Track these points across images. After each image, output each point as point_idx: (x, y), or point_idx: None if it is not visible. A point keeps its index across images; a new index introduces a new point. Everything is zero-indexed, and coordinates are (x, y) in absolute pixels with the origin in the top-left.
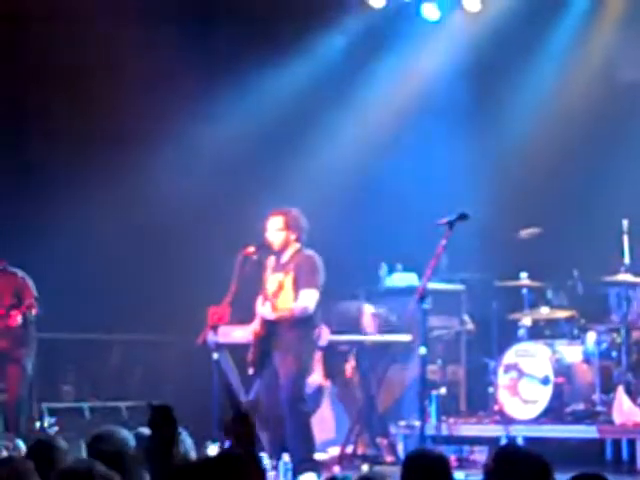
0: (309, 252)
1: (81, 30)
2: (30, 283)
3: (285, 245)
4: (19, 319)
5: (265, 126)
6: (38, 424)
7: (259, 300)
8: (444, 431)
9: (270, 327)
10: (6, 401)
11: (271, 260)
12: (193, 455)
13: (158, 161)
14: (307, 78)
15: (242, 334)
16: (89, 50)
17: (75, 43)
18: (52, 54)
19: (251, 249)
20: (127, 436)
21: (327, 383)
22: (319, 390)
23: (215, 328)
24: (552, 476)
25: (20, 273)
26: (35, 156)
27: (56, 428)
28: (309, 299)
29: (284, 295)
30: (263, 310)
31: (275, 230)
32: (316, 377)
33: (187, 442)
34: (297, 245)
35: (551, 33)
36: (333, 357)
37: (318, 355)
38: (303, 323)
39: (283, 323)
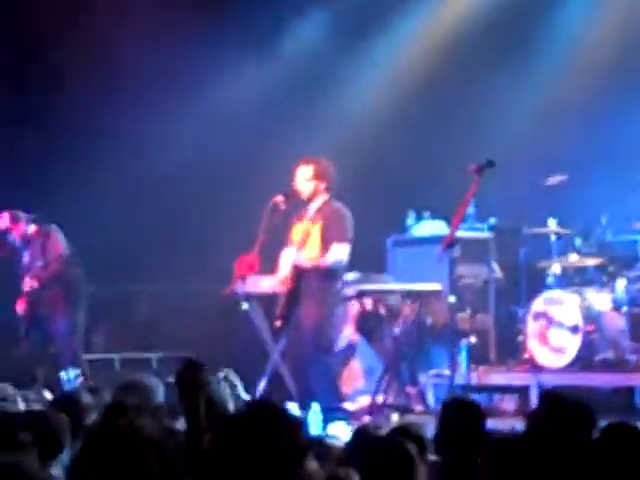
0: (338, 204)
1: None
2: (58, 238)
3: (314, 194)
4: (30, 285)
5: (288, 75)
6: (63, 375)
7: (285, 250)
8: (474, 380)
9: (299, 277)
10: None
11: (299, 210)
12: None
13: (187, 111)
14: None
15: (270, 284)
16: None
17: None
18: None
19: (279, 198)
20: (153, 385)
21: (357, 338)
22: (350, 346)
23: (244, 278)
24: (596, 422)
25: (51, 229)
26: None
27: (80, 379)
28: (342, 252)
29: (311, 245)
30: (298, 257)
31: (304, 179)
32: (347, 332)
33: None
34: (326, 195)
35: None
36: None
37: (352, 310)
38: (330, 274)
39: (312, 273)
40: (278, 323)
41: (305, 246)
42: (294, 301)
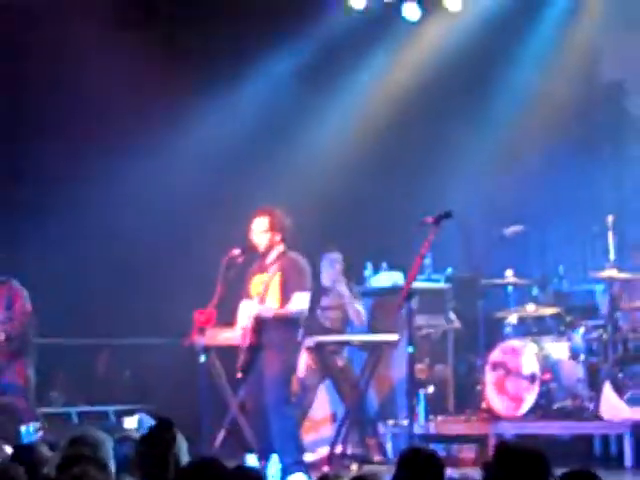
0: (294, 254)
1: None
2: (23, 294)
3: (270, 246)
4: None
5: (254, 121)
6: (23, 428)
7: (243, 302)
8: (432, 430)
9: (261, 328)
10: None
11: (255, 263)
12: (186, 459)
13: (145, 164)
14: (289, 76)
15: (228, 336)
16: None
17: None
18: None
19: (236, 251)
20: (103, 440)
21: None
22: (306, 388)
23: (202, 331)
24: (551, 471)
25: (14, 284)
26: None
27: (40, 433)
28: (303, 302)
29: (271, 296)
30: (263, 307)
31: (260, 232)
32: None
33: (182, 446)
34: (282, 246)
35: (531, 33)
36: (323, 353)
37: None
38: (290, 324)
39: (273, 324)
40: (239, 375)
41: (265, 298)
42: (255, 352)
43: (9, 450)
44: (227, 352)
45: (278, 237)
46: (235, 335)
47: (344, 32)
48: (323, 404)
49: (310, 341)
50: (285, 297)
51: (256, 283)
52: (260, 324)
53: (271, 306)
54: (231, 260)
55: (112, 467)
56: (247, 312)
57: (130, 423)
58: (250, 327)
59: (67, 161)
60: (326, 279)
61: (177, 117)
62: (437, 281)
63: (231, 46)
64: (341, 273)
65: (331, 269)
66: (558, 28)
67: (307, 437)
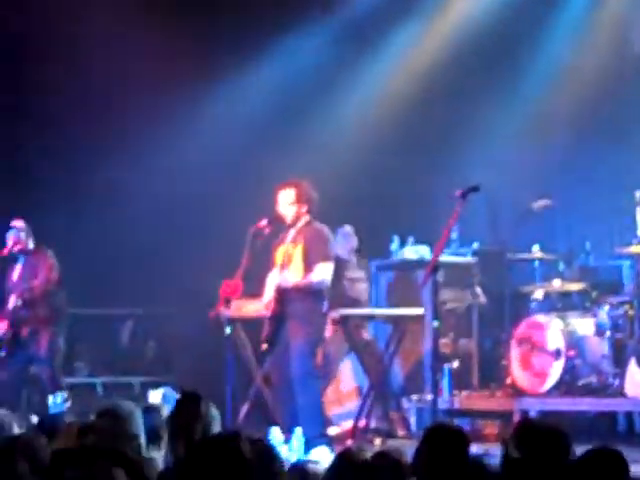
0: (319, 225)
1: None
2: (52, 263)
3: (296, 218)
4: (14, 303)
5: (278, 97)
6: (51, 399)
7: (270, 274)
8: (456, 405)
9: (284, 299)
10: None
11: (281, 234)
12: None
13: (173, 135)
14: (312, 52)
15: (255, 308)
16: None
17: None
18: None
19: (263, 222)
20: (132, 412)
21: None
22: (331, 360)
23: (227, 302)
24: (571, 449)
25: (47, 252)
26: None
27: (68, 403)
28: (326, 272)
29: (293, 266)
30: (281, 277)
31: (287, 204)
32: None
33: (213, 419)
34: (307, 217)
35: (560, 7)
36: (348, 326)
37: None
38: (315, 295)
39: (296, 294)
40: (264, 346)
41: (288, 268)
42: (279, 324)
43: (35, 420)
44: (253, 324)
45: (304, 209)
46: (261, 307)
47: (367, 7)
48: (348, 378)
49: (335, 313)
50: (308, 267)
51: (280, 254)
52: (282, 294)
53: (293, 276)
54: (258, 231)
55: (142, 439)
56: (272, 283)
57: (154, 397)
58: (273, 298)
59: (95, 134)
60: (344, 252)
61: (200, 92)
62: (463, 255)
63: (252, 23)
64: (354, 249)
65: (347, 243)
66: (588, 2)
67: (332, 410)
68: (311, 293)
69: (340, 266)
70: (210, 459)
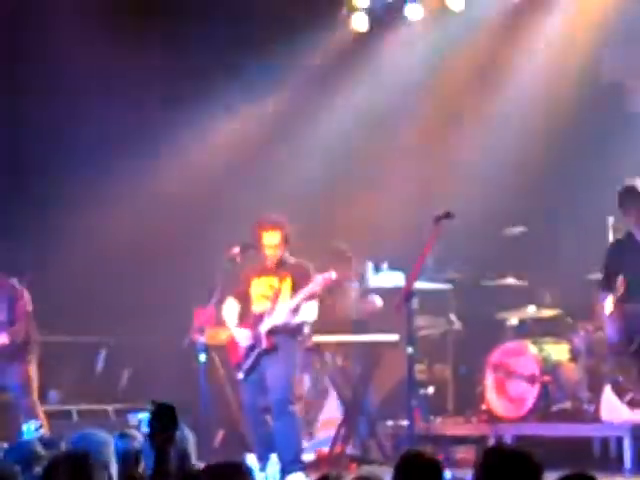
0: (306, 263)
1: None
2: (24, 294)
3: (282, 259)
4: (4, 339)
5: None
6: (25, 427)
7: (229, 301)
8: (432, 430)
9: (273, 335)
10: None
11: (254, 264)
12: (193, 454)
13: (151, 165)
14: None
15: (227, 335)
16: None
17: None
18: None
19: (235, 250)
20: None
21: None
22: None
23: (202, 330)
24: (542, 475)
25: (16, 283)
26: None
27: (42, 431)
28: (313, 311)
29: (283, 301)
30: (274, 319)
31: (273, 246)
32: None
33: (190, 439)
34: (285, 252)
35: (535, 33)
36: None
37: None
38: (297, 329)
39: (282, 330)
40: (240, 375)
41: (277, 302)
42: (261, 356)
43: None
44: (226, 351)
45: (287, 250)
46: (236, 334)
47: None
48: (332, 407)
49: (310, 341)
50: (296, 305)
51: (263, 286)
52: (275, 332)
53: (282, 313)
54: (230, 258)
55: (113, 467)
56: (234, 312)
57: (132, 421)
58: (265, 333)
59: (70, 158)
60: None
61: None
62: (438, 282)
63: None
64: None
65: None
66: (560, 29)
67: (306, 438)
68: (292, 328)
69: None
70: None
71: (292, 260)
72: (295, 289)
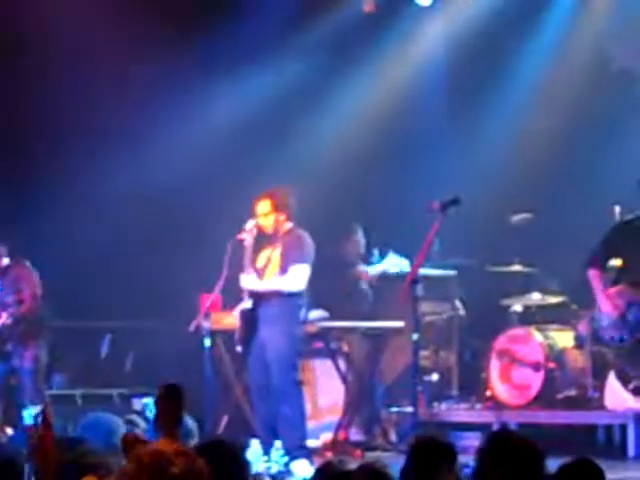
0: (300, 231)
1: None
2: (33, 276)
3: (276, 227)
4: (4, 321)
5: (259, 110)
6: (25, 411)
7: (243, 274)
8: (436, 417)
9: (257, 301)
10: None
11: (266, 241)
12: (195, 439)
13: (151, 147)
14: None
15: (234, 321)
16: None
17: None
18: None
19: (243, 235)
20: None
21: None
22: None
23: (207, 314)
24: (544, 462)
25: (26, 265)
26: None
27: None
28: (300, 274)
29: (271, 268)
30: (249, 281)
31: (264, 214)
32: None
33: (190, 425)
34: (288, 224)
35: (544, 19)
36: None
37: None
38: (290, 299)
39: (269, 297)
40: (239, 348)
41: (266, 270)
42: (250, 323)
43: (10, 432)
44: (232, 336)
45: (283, 217)
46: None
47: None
48: (327, 390)
49: (314, 326)
50: (283, 270)
51: (260, 258)
52: (256, 297)
53: (267, 279)
54: (238, 243)
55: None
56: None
57: (137, 406)
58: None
59: (68, 147)
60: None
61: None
62: (444, 268)
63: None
64: None
65: None
66: (570, 16)
67: (310, 423)
68: (286, 297)
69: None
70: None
71: (293, 231)
72: (283, 256)
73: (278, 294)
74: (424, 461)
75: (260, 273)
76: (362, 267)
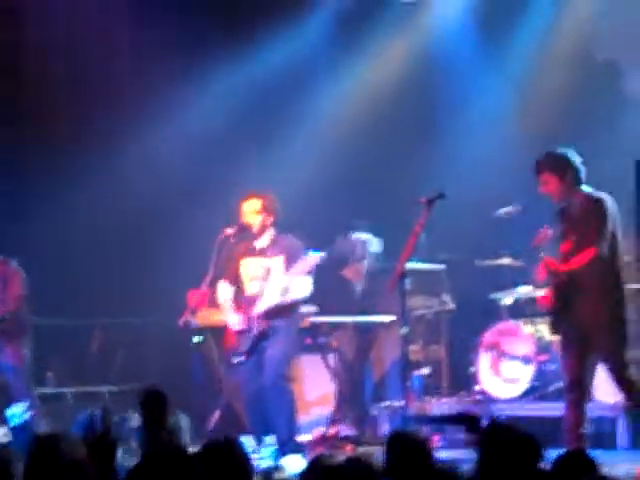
0: (290, 237)
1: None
2: (20, 276)
3: (262, 228)
4: None
5: (244, 109)
6: (10, 409)
7: (221, 284)
8: (426, 411)
9: (269, 317)
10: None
11: (243, 244)
12: (187, 437)
13: (140, 145)
14: (284, 60)
15: (222, 317)
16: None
17: None
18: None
19: (230, 230)
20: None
21: None
22: None
23: (195, 311)
24: (541, 453)
25: (12, 264)
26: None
27: (31, 413)
28: (307, 286)
29: (275, 279)
30: (264, 293)
31: (252, 212)
32: None
33: (183, 423)
34: (273, 230)
35: (527, 12)
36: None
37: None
38: (294, 309)
39: (279, 310)
40: (235, 360)
41: (268, 281)
42: (256, 340)
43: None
44: (221, 332)
45: (270, 220)
46: (229, 320)
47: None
48: (317, 385)
49: (306, 322)
50: (288, 283)
51: (250, 266)
52: (270, 314)
53: (276, 291)
54: (225, 239)
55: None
56: (228, 295)
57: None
58: (263, 315)
59: (60, 144)
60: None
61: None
62: (432, 262)
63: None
64: None
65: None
66: (553, 8)
67: (300, 418)
68: (294, 305)
69: None
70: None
71: (282, 238)
72: (287, 267)
73: (280, 306)
74: (396, 454)
75: (262, 282)
76: (356, 265)
